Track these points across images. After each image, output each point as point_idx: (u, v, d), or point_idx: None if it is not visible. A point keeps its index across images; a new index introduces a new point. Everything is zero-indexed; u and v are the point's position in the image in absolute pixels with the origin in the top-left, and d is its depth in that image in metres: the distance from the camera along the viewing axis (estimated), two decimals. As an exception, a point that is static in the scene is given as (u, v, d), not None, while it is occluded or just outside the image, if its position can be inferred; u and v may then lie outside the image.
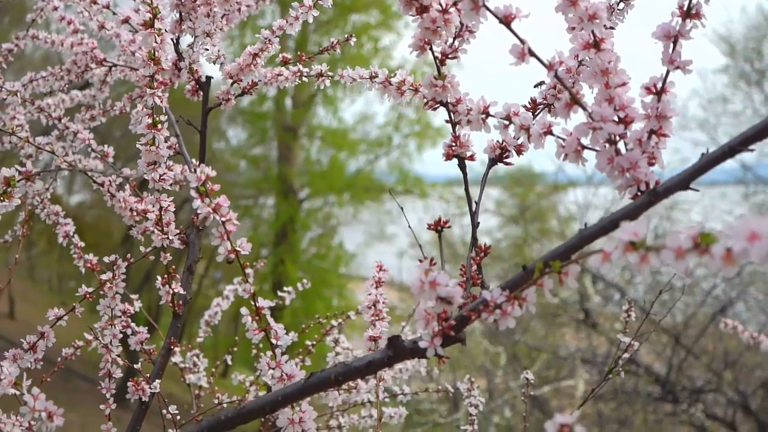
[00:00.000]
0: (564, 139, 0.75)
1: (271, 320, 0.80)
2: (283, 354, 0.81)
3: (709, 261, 0.47)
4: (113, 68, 1.52)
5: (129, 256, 1.14)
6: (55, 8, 1.45)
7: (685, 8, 0.70)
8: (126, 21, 1.19)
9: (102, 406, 1.12)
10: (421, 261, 0.70)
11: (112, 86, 1.60)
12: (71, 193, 12.30)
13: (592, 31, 0.73)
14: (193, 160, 1.24)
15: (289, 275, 9.94)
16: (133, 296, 1.21)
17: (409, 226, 1.01)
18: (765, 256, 0.43)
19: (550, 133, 0.79)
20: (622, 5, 0.89)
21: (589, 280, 7.26)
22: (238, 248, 0.76)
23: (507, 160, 0.87)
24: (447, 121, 0.85)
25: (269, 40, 1.21)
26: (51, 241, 11.60)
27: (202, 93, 1.28)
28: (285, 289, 1.71)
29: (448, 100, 0.84)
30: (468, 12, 0.71)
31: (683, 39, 0.71)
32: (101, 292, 1.12)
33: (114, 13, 1.37)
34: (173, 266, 1.15)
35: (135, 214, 1.21)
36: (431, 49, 0.81)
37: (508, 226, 11.14)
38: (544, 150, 0.82)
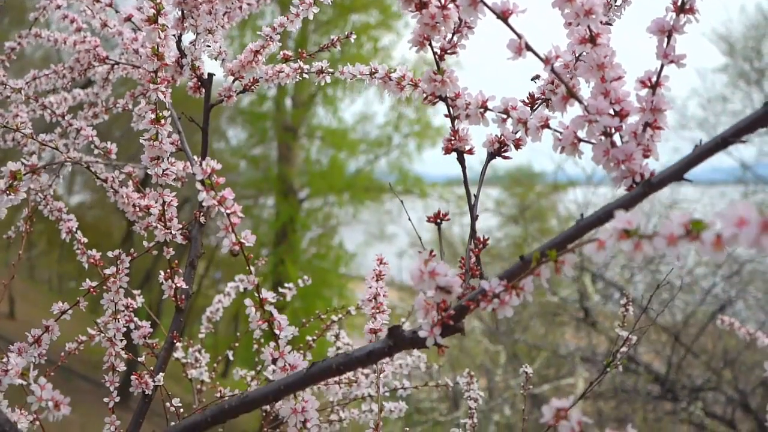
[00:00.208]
0: (561, 133, 0.77)
1: (274, 311, 0.81)
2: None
3: (699, 247, 0.49)
4: (115, 66, 1.53)
5: (132, 250, 1.15)
6: (59, 7, 1.47)
7: (679, 4, 0.72)
8: (128, 19, 1.20)
9: (105, 399, 1.13)
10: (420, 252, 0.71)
11: (113, 86, 1.61)
12: (71, 193, 12.31)
13: (588, 27, 0.74)
14: (196, 157, 1.26)
15: (289, 275, 9.95)
16: (136, 292, 1.23)
17: (409, 219, 1.02)
18: (753, 241, 0.44)
19: (547, 126, 0.81)
20: (619, 1, 0.90)
21: (589, 279, 7.27)
22: (242, 240, 0.77)
23: (505, 154, 0.88)
24: (446, 116, 0.87)
25: (270, 37, 1.22)
26: (51, 241, 11.62)
27: (204, 90, 1.29)
28: (286, 285, 1.72)
29: (447, 95, 0.86)
30: (466, 8, 0.72)
31: (677, 34, 0.72)
32: (105, 287, 1.14)
33: (117, 11, 1.38)
34: (176, 261, 1.17)
35: (138, 209, 1.23)
36: (430, 44, 0.83)
37: (507, 226, 11.16)
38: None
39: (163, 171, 1.05)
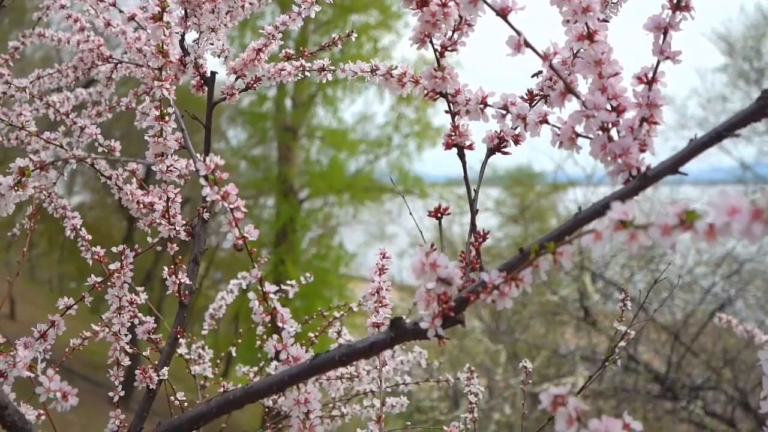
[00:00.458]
0: (559, 128, 0.78)
1: (277, 304, 0.82)
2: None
3: (693, 236, 0.50)
4: (119, 65, 1.55)
5: (136, 246, 1.17)
6: (63, 6, 1.48)
7: (674, 1, 0.73)
8: (132, 18, 1.22)
9: (110, 393, 1.14)
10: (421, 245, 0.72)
11: (114, 85, 1.63)
12: (71, 194, 12.32)
13: (586, 24, 0.75)
14: (198, 155, 1.27)
15: (290, 275, 9.95)
16: (139, 288, 1.24)
17: (411, 213, 1.04)
18: (745, 229, 0.46)
19: (546, 121, 0.82)
20: (615, -1, 0.92)
21: (589, 278, 7.28)
22: (246, 234, 0.79)
23: (505, 150, 0.90)
24: (446, 112, 0.88)
25: (273, 36, 1.24)
26: (51, 242, 11.63)
27: (206, 88, 1.31)
28: (288, 282, 1.74)
29: (448, 91, 0.87)
30: (466, 5, 0.74)
31: (673, 31, 0.74)
32: (109, 283, 1.15)
33: (120, 11, 1.40)
34: (179, 257, 1.18)
35: (142, 206, 1.24)
36: (431, 42, 0.84)
37: (507, 226, 11.18)
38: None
39: (168, 167, 1.07)
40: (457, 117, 0.88)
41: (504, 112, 0.86)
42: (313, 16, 1.23)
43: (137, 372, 1.14)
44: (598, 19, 0.76)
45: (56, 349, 1.15)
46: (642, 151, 0.73)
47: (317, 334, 1.67)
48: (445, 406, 7.44)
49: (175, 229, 1.14)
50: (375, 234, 12.36)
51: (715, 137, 0.65)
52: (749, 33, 9.09)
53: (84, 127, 1.41)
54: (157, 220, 1.16)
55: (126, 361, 1.17)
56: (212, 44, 1.23)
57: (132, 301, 1.18)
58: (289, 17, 1.22)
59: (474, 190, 0.88)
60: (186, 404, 1.23)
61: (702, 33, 8.93)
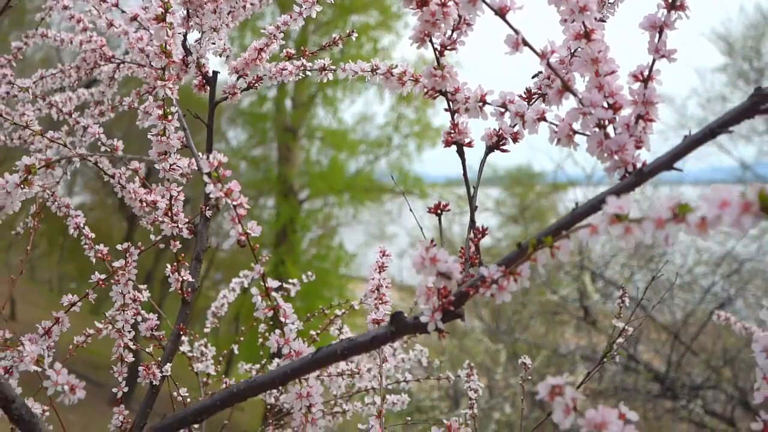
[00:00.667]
0: (557, 125, 0.79)
1: (279, 299, 0.84)
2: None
3: (686, 229, 0.51)
4: (121, 65, 1.56)
5: (140, 243, 1.18)
6: (65, 7, 1.49)
7: (670, 0, 0.74)
8: (134, 18, 1.23)
9: (114, 389, 1.16)
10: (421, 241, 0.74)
11: (116, 85, 1.64)
12: (72, 194, 12.34)
13: (583, 23, 0.77)
14: (201, 154, 1.29)
15: (290, 276, 9.94)
16: (142, 286, 1.26)
17: (411, 210, 1.05)
18: (735, 221, 0.47)
19: (544, 119, 0.83)
20: (612, -1, 0.93)
21: (589, 277, 7.30)
22: (249, 231, 0.80)
23: (503, 148, 0.91)
24: (446, 110, 0.90)
25: (274, 35, 1.25)
26: (52, 242, 11.64)
27: (208, 88, 1.32)
28: (290, 280, 1.75)
29: (447, 90, 0.88)
30: (465, 5, 0.75)
31: (668, 29, 0.75)
32: (113, 280, 1.16)
33: (123, 11, 1.41)
34: (182, 254, 1.19)
35: (145, 204, 1.26)
36: (431, 41, 0.86)
37: (507, 226, 11.20)
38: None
39: (171, 165, 1.08)
40: (456, 115, 0.90)
41: (502, 110, 0.88)
42: (314, 16, 1.24)
43: (141, 368, 1.15)
44: (595, 19, 0.78)
45: (57, 349, 1.16)
46: (638, 147, 0.74)
47: (319, 331, 1.68)
48: (445, 405, 7.45)
49: (177, 226, 1.15)
50: (375, 234, 12.38)
51: (708, 134, 0.67)
52: (749, 33, 9.11)
53: (87, 126, 1.43)
54: (160, 218, 1.17)
55: (129, 358, 1.18)
56: (214, 44, 1.25)
57: (135, 299, 1.20)
58: (291, 17, 1.24)
59: (473, 186, 0.89)
60: (189, 401, 1.24)
61: (701, 33, 8.95)
